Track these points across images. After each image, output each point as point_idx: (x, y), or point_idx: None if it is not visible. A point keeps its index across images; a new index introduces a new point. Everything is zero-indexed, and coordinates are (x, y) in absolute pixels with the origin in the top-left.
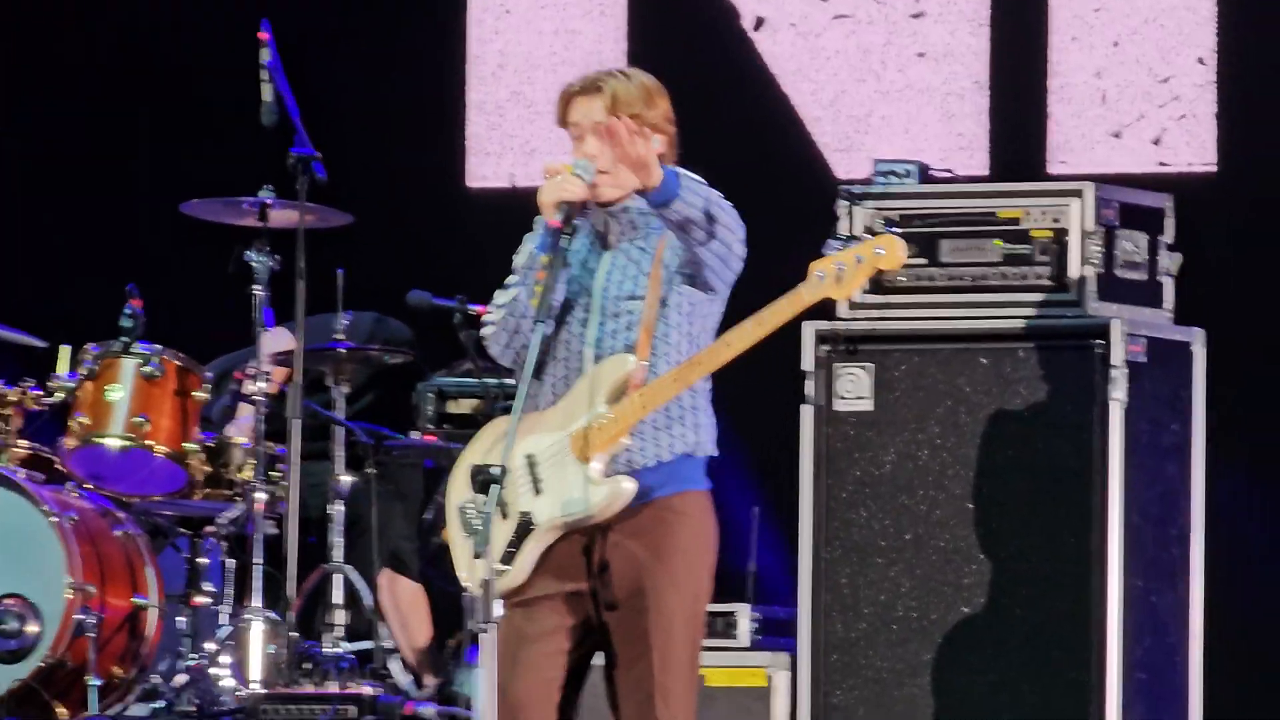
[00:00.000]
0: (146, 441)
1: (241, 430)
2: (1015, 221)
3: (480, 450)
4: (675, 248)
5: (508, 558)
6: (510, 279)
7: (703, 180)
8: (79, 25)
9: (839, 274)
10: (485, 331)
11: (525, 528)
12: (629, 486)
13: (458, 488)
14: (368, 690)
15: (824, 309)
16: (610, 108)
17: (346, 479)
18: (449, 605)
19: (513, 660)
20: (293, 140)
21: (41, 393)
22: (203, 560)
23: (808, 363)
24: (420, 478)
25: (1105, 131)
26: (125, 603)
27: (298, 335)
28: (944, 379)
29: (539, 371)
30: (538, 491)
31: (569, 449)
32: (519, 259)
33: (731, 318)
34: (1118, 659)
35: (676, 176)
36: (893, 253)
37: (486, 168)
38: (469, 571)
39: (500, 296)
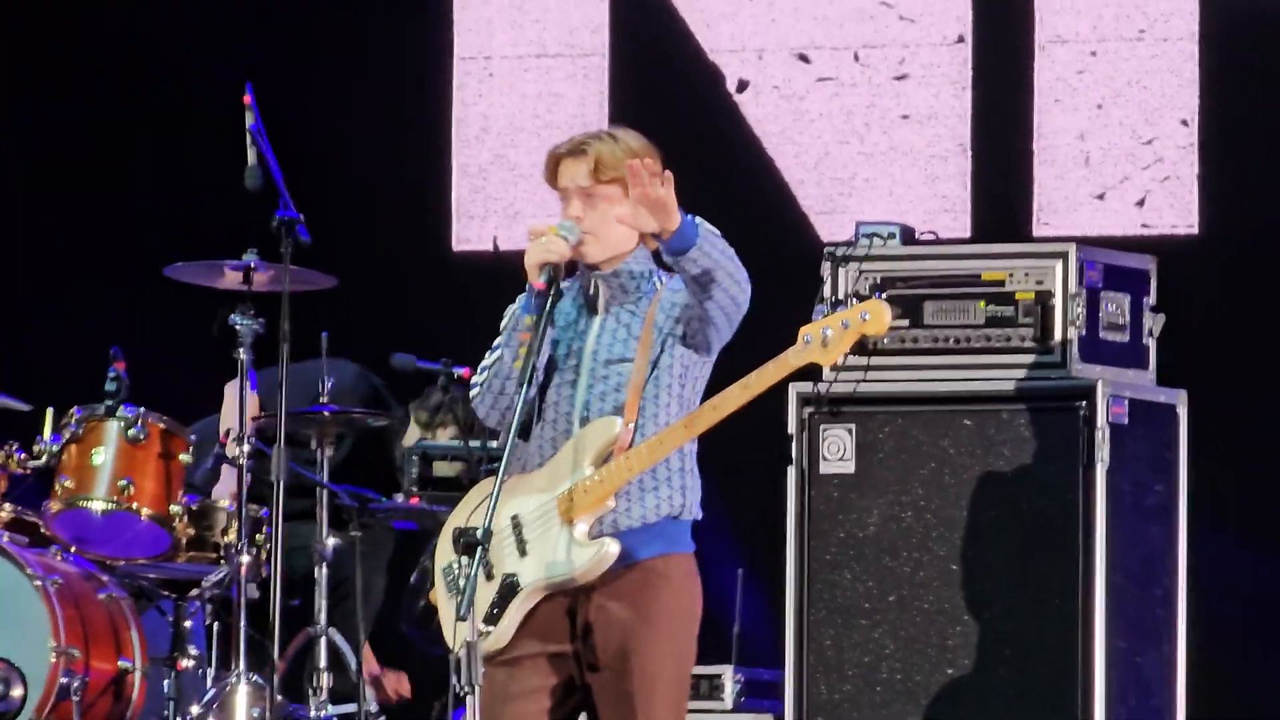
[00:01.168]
0: (131, 504)
1: (227, 494)
2: (999, 283)
3: (466, 512)
4: (668, 309)
5: (492, 619)
6: (496, 341)
7: (718, 233)
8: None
9: (825, 339)
10: (472, 393)
11: (510, 589)
12: (613, 549)
13: (444, 550)
14: None
15: (809, 370)
16: (593, 171)
17: (330, 541)
18: (434, 668)
19: (490, 714)
20: (277, 203)
21: (26, 456)
22: (187, 623)
23: (792, 425)
24: (391, 540)
25: (1089, 194)
26: (110, 666)
27: (280, 399)
28: (928, 440)
29: (525, 433)
30: (523, 553)
31: (554, 511)
32: (504, 322)
33: (716, 379)
34: None
35: (695, 225)
36: (878, 318)
37: (470, 231)
38: (453, 633)
39: (486, 358)
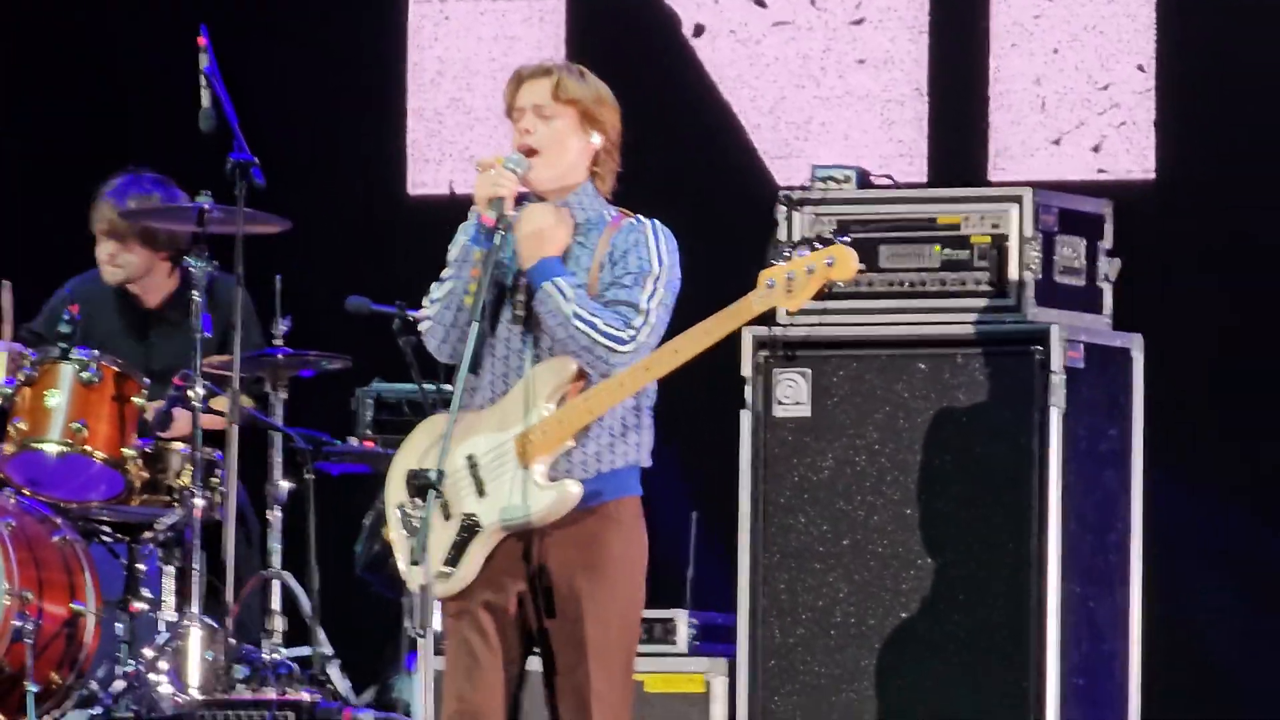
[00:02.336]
0: (85, 447)
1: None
2: (954, 227)
3: (416, 450)
4: (621, 254)
5: (453, 560)
6: (445, 272)
7: (570, 299)
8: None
9: (789, 284)
10: (422, 327)
11: (471, 530)
12: (575, 491)
13: (395, 488)
14: (306, 696)
15: (764, 314)
16: (554, 90)
17: (284, 485)
18: (387, 611)
19: (466, 670)
20: (231, 146)
21: None
22: (141, 566)
23: (746, 368)
24: None
25: (1045, 139)
26: (63, 609)
27: (235, 342)
28: (882, 384)
29: (475, 368)
30: (481, 493)
31: (511, 451)
32: (452, 252)
33: (674, 321)
34: (1056, 665)
35: (555, 280)
36: (844, 263)
37: (426, 175)
38: (410, 574)
39: (435, 291)
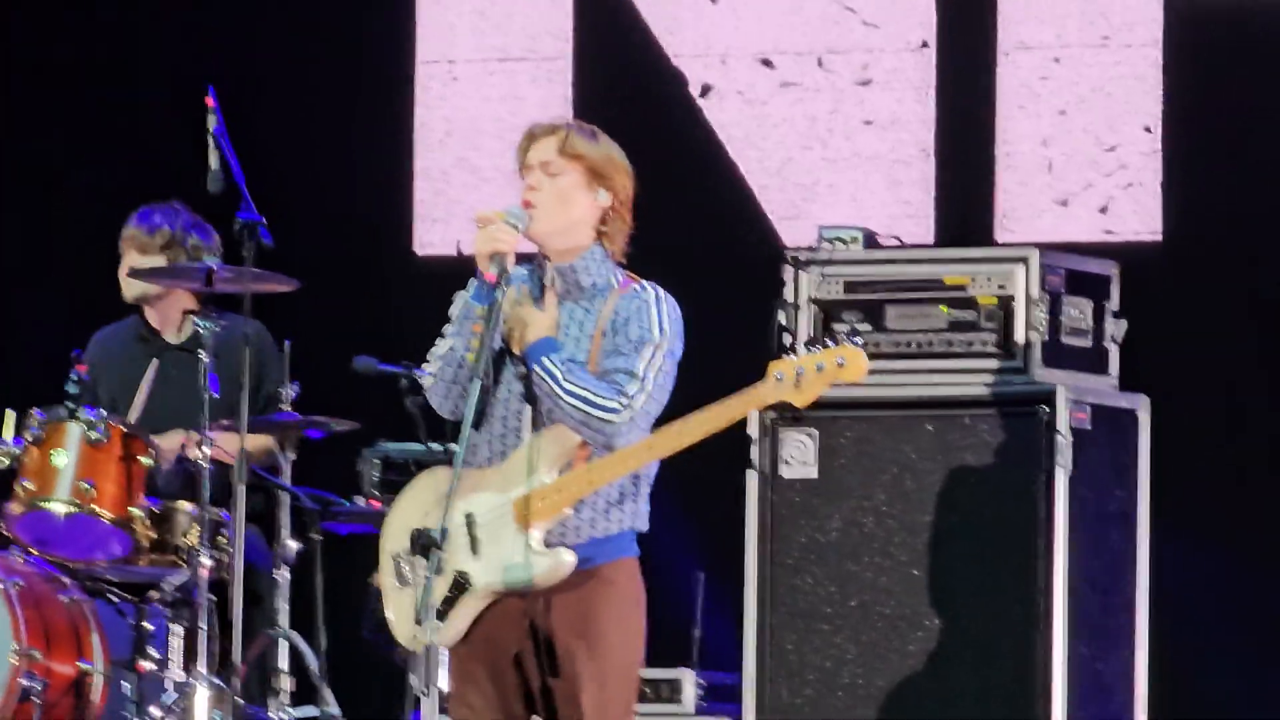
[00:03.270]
0: (92, 507)
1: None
2: (961, 288)
3: (415, 502)
4: (621, 322)
5: (441, 614)
6: (447, 329)
7: (558, 380)
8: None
9: (798, 379)
10: (424, 382)
11: (461, 587)
12: (569, 559)
13: (393, 535)
14: None
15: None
16: (561, 145)
17: (292, 544)
18: (394, 671)
19: None
20: (239, 206)
21: None
22: (148, 626)
23: (753, 429)
24: None
25: (1052, 200)
26: (71, 668)
27: (242, 402)
28: (889, 445)
29: (477, 424)
30: (475, 552)
31: (510, 513)
32: (454, 309)
33: (679, 383)
34: None
35: (543, 361)
36: (854, 365)
37: (433, 234)
38: (401, 622)
39: (437, 347)
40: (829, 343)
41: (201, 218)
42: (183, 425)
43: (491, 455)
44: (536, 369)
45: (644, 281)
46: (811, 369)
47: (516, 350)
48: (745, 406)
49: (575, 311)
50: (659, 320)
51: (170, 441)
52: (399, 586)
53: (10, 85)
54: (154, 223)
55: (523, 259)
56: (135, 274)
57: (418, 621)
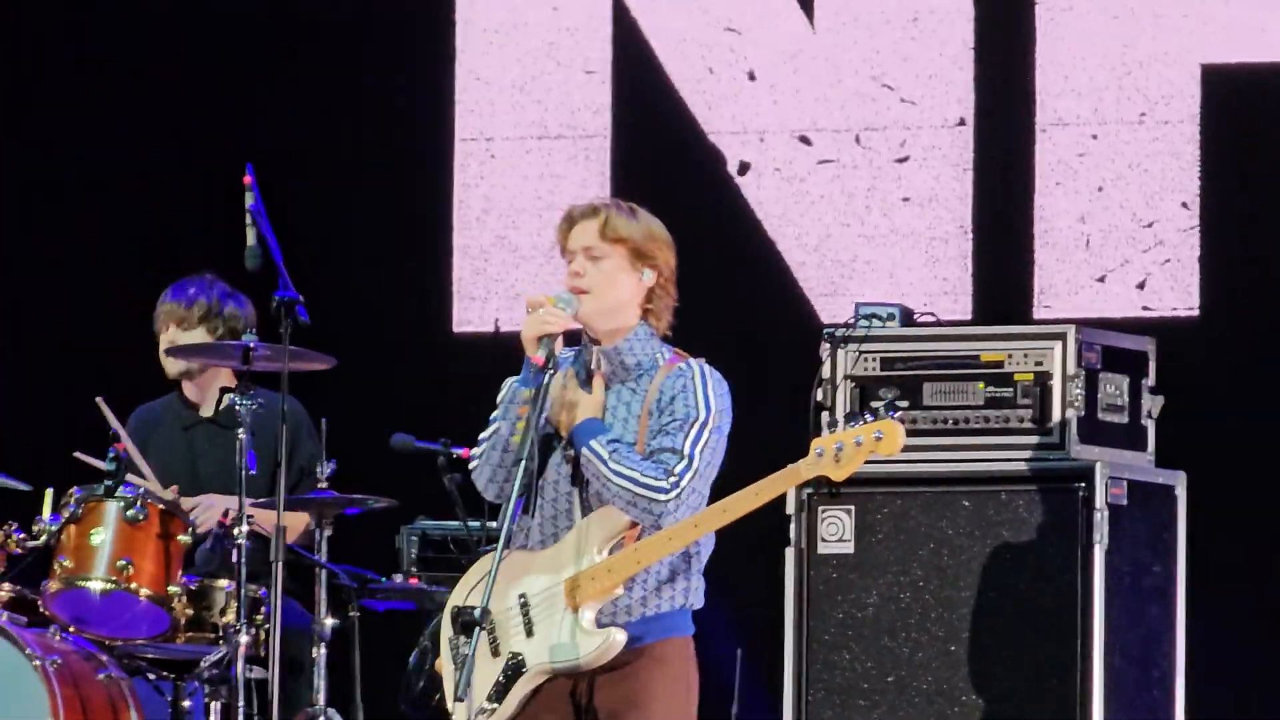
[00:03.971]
0: (129, 585)
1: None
2: (998, 364)
3: (466, 589)
4: (668, 404)
5: (495, 697)
6: (493, 414)
7: (606, 462)
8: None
9: (837, 454)
10: (470, 465)
11: (516, 669)
12: (619, 638)
13: (449, 621)
14: None
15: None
16: (601, 228)
17: (329, 622)
18: None
19: None
20: (276, 284)
21: (25, 536)
22: (186, 704)
23: (791, 506)
24: None
25: (1090, 276)
26: None
27: (280, 478)
28: (926, 521)
29: (526, 508)
30: (529, 634)
31: (561, 594)
32: (502, 394)
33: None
34: None
35: (590, 444)
36: (891, 438)
37: (471, 312)
38: (454, 709)
39: (485, 431)
40: (868, 417)
41: (229, 286)
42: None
43: (544, 538)
44: (585, 451)
45: (690, 359)
46: (850, 444)
47: (563, 433)
48: (787, 482)
49: (623, 393)
50: (705, 397)
51: (212, 512)
52: (455, 670)
53: (52, 154)
54: (190, 295)
55: (570, 341)
56: (172, 352)
57: (458, 699)
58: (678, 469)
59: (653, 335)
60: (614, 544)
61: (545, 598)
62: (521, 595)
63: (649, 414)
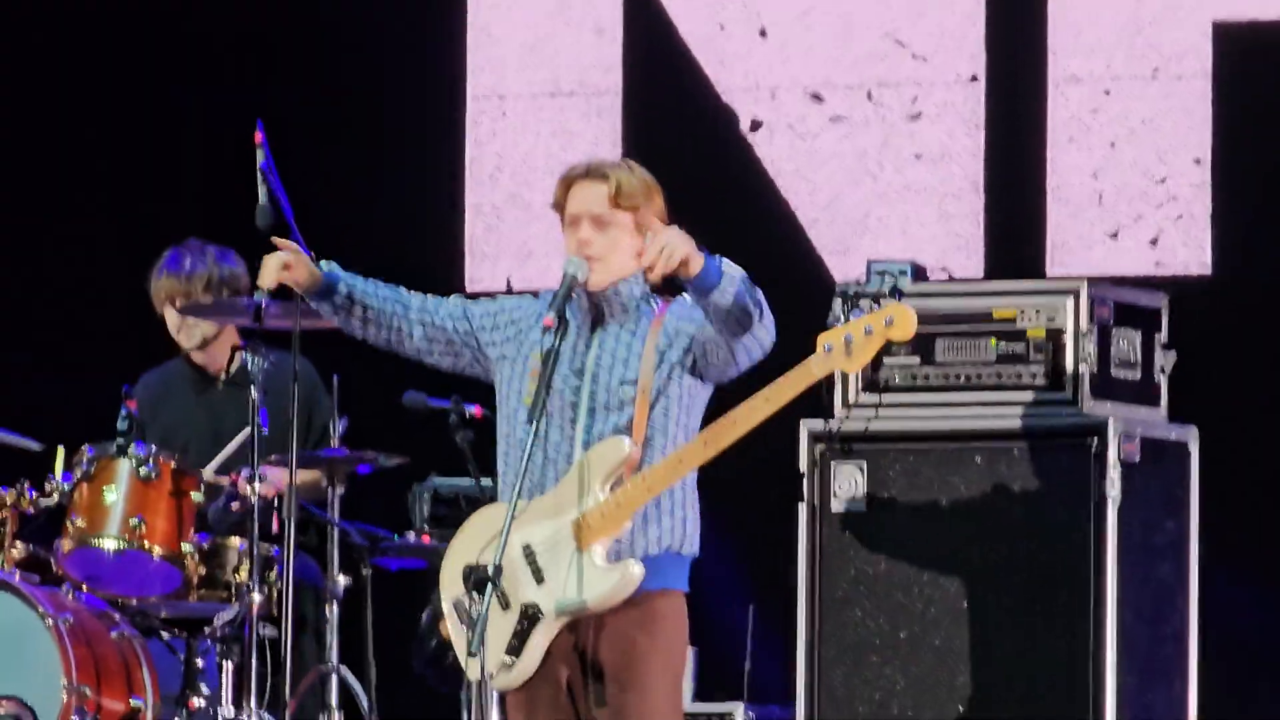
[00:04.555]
0: (142, 543)
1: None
2: (1010, 321)
3: (467, 541)
4: (671, 335)
5: (514, 649)
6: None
7: (744, 275)
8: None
9: (847, 346)
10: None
11: (534, 619)
12: (637, 571)
13: (449, 581)
14: None
15: (820, 407)
16: (613, 197)
17: (342, 580)
18: (446, 706)
19: None
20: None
21: (37, 495)
22: (199, 662)
23: (803, 462)
24: None
25: (1102, 232)
26: (122, 704)
27: (291, 441)
28: (938, 478)
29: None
30: (540, 581)
31: (568, 536)
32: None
33: (717, 412)
34: None
35: (718, 268)
36: (903, 322)
37: (484, 270)
38: (472, 664)
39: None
40: (874, 305)
41: (217, 245)
42: (235, 461)
43: (532, 487)
44: (725, 269)
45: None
46: (860, 333)
47: (693, 273)
48: (799, 382)
49: (620, 334)
50: None
51: (268, 484)
52: (464, 629)
53: (63, 116)
54: (188, 268)
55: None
56: (187, 310)
57: (471, 654)
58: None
59: (644, 284)
60: (614, 479)
61: (551, 542)
62: (525, 544)
63: (654, 351)
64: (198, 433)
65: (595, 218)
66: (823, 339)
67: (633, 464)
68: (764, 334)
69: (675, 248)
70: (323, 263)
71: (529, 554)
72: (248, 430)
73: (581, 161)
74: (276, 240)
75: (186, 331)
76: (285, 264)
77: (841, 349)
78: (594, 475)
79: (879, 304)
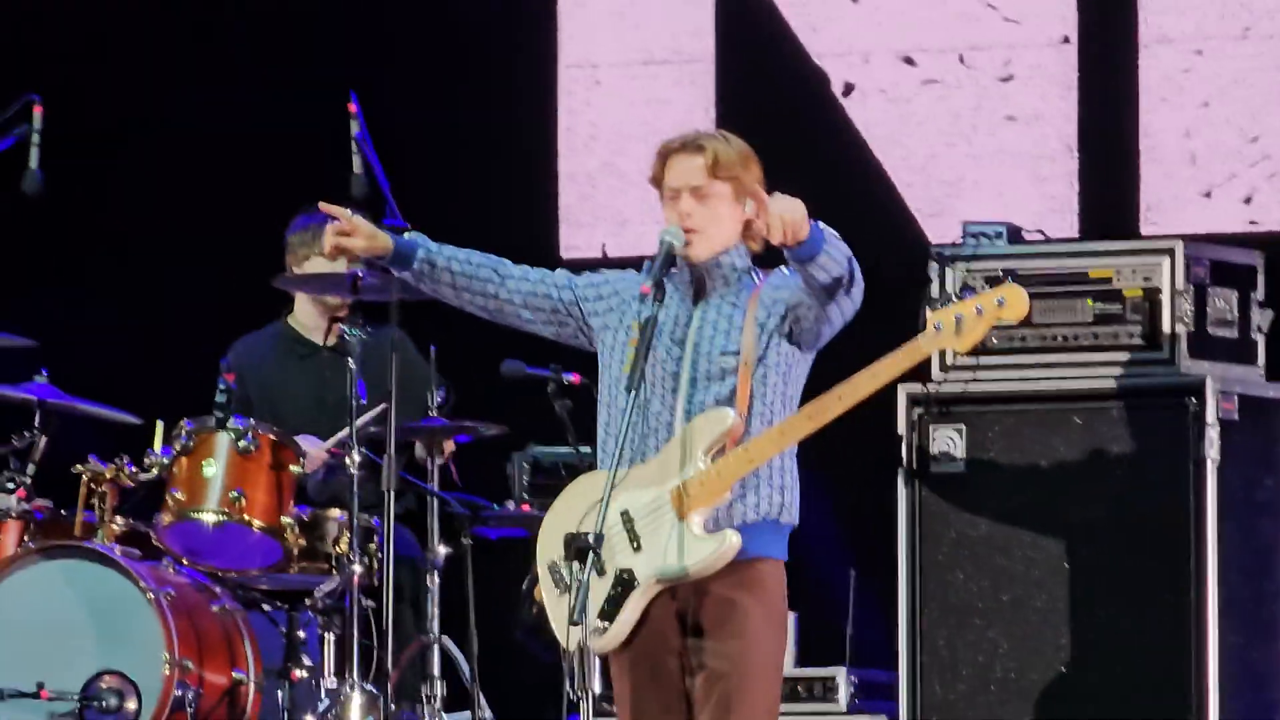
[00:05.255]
0: (242, 516)
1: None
2: (1106, 281)
3: (569, 512)
4: (769, 305)
5: (608, 615)
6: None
7: (838, 236)
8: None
9: (958, 325)
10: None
11: (628, 585)
12: (735, 540)
13: (546, 546)
14: None
15: (916, 370)
16: (711, 168)
17: (442, 550)
18: (547, 674)
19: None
20: (384, 212)
21: (137, 469)
22: (300, 634)
23: (902, 426)
24: None
25: (1196, 192)
26: (224, 678)
27: (390, 409)
28: (1038, 439)
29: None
30: (636, 548)
31: (668, 504)
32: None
33: (816, 377)
34: (1217, 716)
35: (822, 234)
36: (1015, 303)
37: (579, 238)
38: (565, 630)
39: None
40: (985, 286)
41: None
42: (339, 428)
43: (633, 455)
44: (826, 234)
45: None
46: (971, 312)
47: (802, 238)
48: (907, 359)
49: (722, 307)
50: None
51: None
52: (559, 594)
53: (154, 89)
54: (314, 229)
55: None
56: (281, 283)
57: (574, 622)
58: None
59: (747, 255)
60: (717, 450)
61: (650, 509)
62: (624, 511)
63: (755, 322)
64: (297, 397)
65: (695, 189)
66: (932, 318)
67: (736, 435)
68: (857, 294)
69: (795, 220)
70: (407, 234)
71: (627, 520)
72: (379, 408)
73: (677, 135)
74: (327, 208)
75: (319, 293)
76: (341, 230)
77: (951, 327)
78: (696, 445)
79: (988, 285)
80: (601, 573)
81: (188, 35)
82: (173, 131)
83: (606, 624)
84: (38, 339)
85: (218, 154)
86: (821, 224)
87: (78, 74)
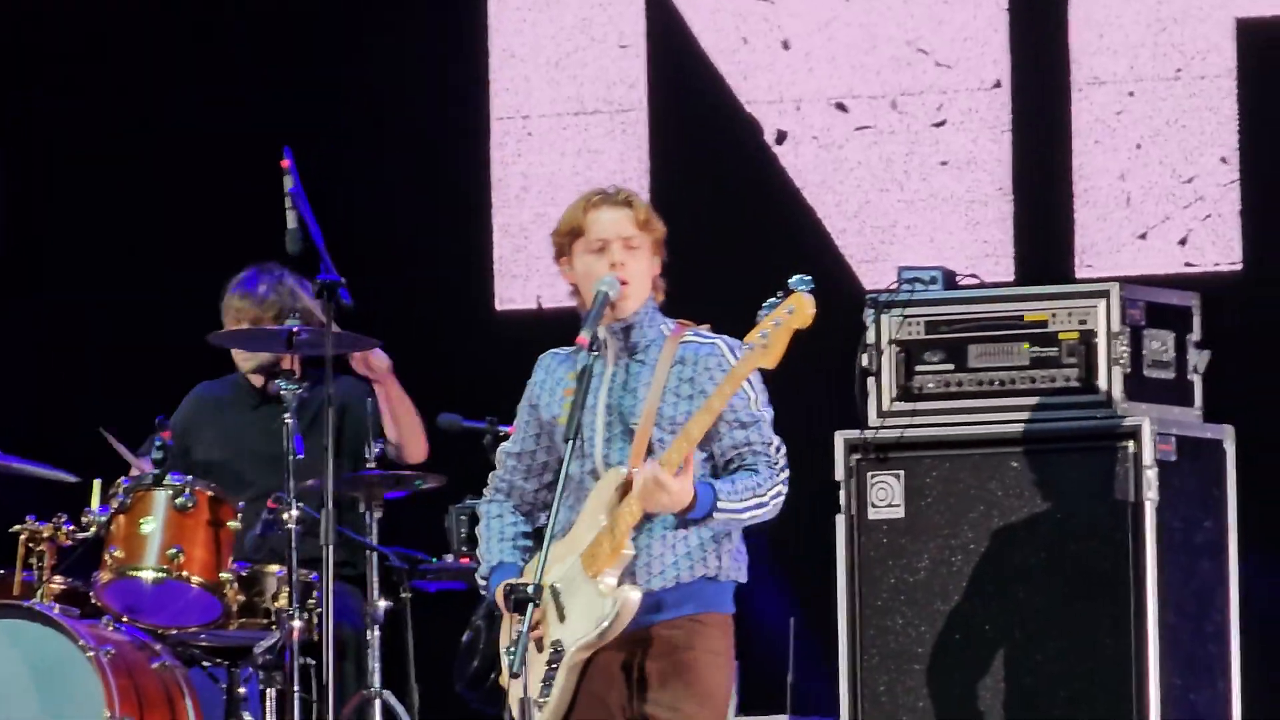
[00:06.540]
0: (181, 573)
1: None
2: (1042, 324)
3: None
4: (701, 370)
5: (545, 691)
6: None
7: (737, 496)
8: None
9: (764, 342)
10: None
11: (558, 656)
12: (634, 595)
13: (507, 630)
14: None
15: (855, 418)
16: (641, 222)
17: (382, 604)
18: None
19: None
20: (318, 267)
21: (74, 527)
22: (241, 690)
23: (840, 472)
24: None
25: (1131, 233)
26: None
27: (326, 465)
28: (975, 484)
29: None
30: (562, 619)
31: (579, 569)
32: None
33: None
34: None
35: (712, 501)
36: (800, 310)
37: (514, 290)
38: (510, 686)
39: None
40: (779, 296)
41: (295, 275)
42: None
43: (564, 526)
44: (717, 515)
45: (696, 327)
46: (771, 327)
47: (679, 514)
48: (730, 385)
49: (630, 366)
50: (748, 382)
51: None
52: (516, 678)
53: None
54: (261, 295)
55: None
56: (216, 339)
57: (513, 675)
58: (777, 460)
59: (656, 309)
60: (615, 505)
61: (570, 578)
62: (552, 585)
63: (666, 375)
64: (252, 448)
65: (626, 240)
66: (745, 340)
67: (627, 489)
68: (774, 507)
69: (667, 507)
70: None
71: (555, 594)
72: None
73: (592, 189)
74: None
75: (245, 356)
76: None
77: (759, 346)
78: (597, 507)
79: (781, 295)
80: (540, 649)
81: (188, 35)
82: (105, 175)
83: (545, 700)
84: None
85: (218, 154)
86: (718, 491)
87: (78, 74)
